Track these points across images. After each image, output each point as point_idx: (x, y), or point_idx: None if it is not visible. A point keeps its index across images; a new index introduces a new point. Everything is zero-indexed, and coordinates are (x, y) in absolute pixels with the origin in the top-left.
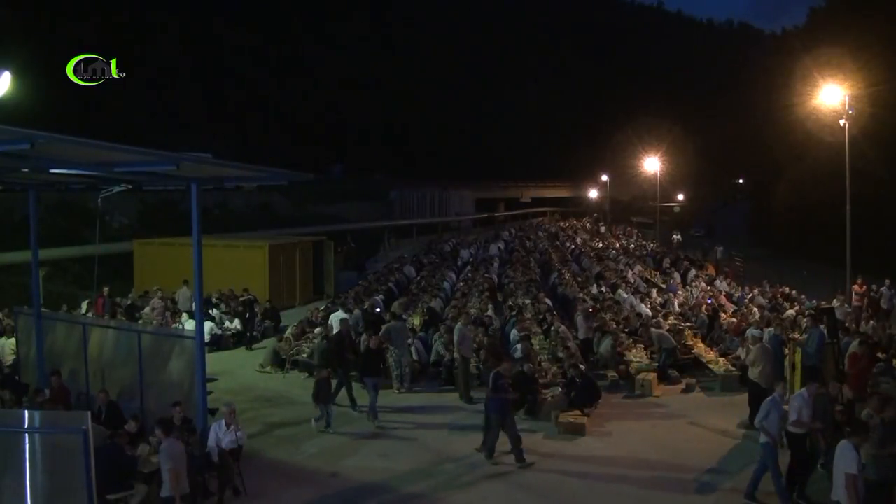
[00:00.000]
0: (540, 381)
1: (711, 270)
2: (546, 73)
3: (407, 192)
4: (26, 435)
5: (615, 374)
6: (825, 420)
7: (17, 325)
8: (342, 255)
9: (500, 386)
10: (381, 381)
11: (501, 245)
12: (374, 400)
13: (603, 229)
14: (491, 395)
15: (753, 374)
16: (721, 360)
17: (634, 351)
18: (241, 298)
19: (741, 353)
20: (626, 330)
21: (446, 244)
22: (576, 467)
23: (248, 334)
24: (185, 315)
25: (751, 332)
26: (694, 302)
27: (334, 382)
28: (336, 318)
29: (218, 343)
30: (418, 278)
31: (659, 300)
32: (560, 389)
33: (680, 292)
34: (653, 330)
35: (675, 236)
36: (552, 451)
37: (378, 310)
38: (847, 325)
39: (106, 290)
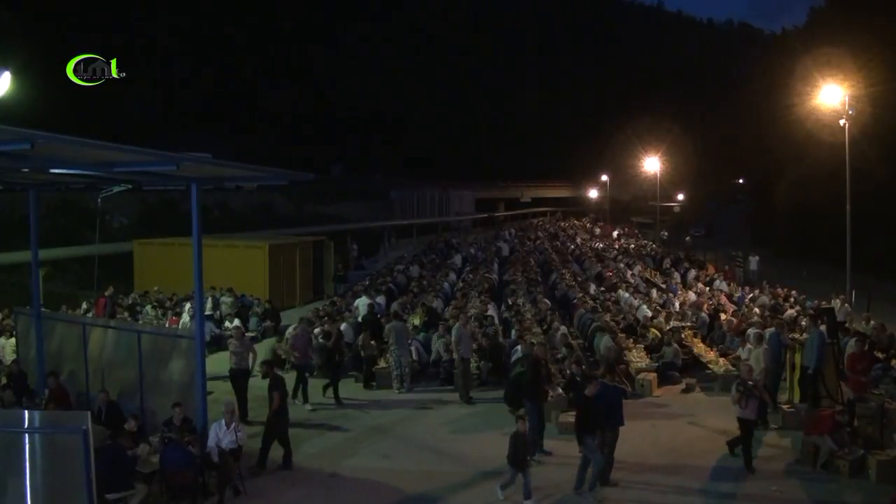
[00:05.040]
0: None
1: (711, 271)
2: (546, 73)
3: (407, 192)
4: (26, 435)
5: None
6: None
7: (17, 325)
8: (338, 260)
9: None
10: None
11: (501, 244)
12: (601, 462)
13: (598, 231)
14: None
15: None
16: (721, 360)
17: (634, 351)
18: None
19: (741, 353)
20: (624, 329)
21: (443, 244)
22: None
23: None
24: (185, 315)
25: (751, 331)
26: (693, 302)
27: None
28: (362, 302)
29: (218, 343)
30: (419, 277)
31: (659, 300)
32: (560, 389)
33: (680, 292)
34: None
35: (686, 238)
36: (552, 450)
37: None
38: (847, 325)
39: (110, 289)
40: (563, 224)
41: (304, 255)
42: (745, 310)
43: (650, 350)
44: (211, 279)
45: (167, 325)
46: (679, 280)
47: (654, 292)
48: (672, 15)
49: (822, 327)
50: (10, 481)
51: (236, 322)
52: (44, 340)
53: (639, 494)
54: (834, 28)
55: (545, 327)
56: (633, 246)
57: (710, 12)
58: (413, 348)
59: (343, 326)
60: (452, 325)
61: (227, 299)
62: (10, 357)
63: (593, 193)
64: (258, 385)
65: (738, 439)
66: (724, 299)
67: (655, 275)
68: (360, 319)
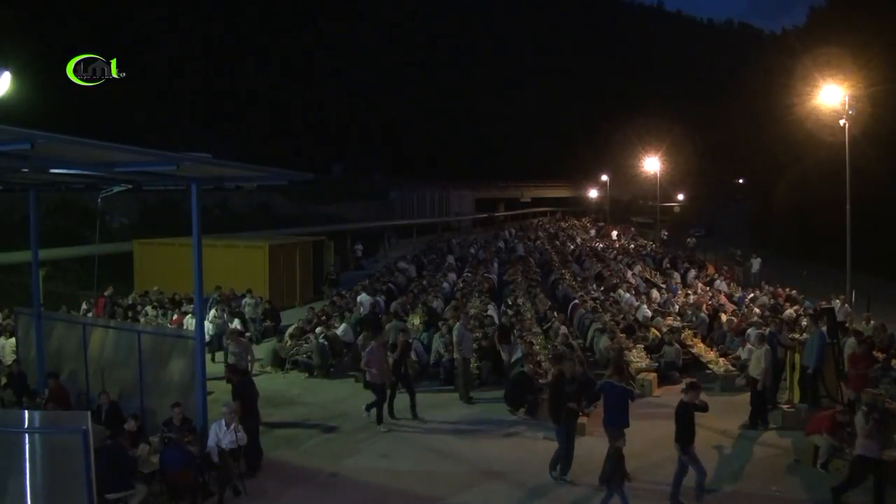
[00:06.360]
0: (540, 380)
1: (711, 271)
2: (546, 73)
3: (407, 192)
4: (26, 435)
5: None
6: None
7: (17, 325)
8: (338, 261)
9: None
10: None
11: (501, 244)
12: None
13: (594, 232)
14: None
15: (754, 372)
16: (721, 360)
17: (634, 351)
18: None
19: (741, 353)
20: (624, 329)
21: (444, 244)
22: (576, 468)
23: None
24: (186, 315)
25: (752, 331)
26: (693, 301)
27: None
28: (365, 299)
29: (219, 343)
30: (418, 278)
31: (658, 300)
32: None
33: (680, 292)
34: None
35: (689, 239)
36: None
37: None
38: (847, 325)
39: (110, 289)
40: (563, 224)
41: (304, 255)
42: (745, 310)
43: (650, 350)
44: (211, 279)
45: (170, 325)
46: (679, 280)
47: (654, 292)
48: (672, 15)
49: (823, 327)
50: (10, 481)
51: (235, 322)
52: (44, 340)
53: (639, 494)
54: (834, 28)
55: (546, 326)
56: (633, 246)
57: (710, 12)
58: (413, 348)
59: (342, 327)
60: (453, 325)
61: (249, 300)
62: (10, 357)
63: (593, 193)
64: (259, 385)
65: (851, 482)
66: (723, 299)
67: (655, 275)
68: (360, 317)
